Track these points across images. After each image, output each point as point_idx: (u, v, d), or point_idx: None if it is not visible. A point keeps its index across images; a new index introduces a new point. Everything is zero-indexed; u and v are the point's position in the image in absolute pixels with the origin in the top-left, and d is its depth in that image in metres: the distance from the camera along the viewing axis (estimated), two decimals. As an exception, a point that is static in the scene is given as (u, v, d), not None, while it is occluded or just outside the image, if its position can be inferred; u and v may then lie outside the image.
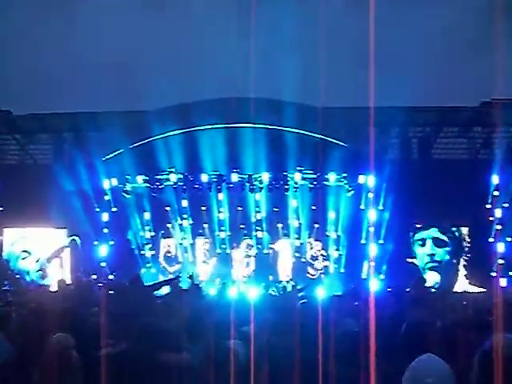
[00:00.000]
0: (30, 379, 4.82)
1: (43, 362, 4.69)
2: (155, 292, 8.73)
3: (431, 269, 19.15)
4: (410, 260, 19.21)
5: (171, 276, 12.10)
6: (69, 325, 5.13)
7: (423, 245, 19.51)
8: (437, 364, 2.62)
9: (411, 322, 3.99)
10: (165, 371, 4.26)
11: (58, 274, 17.10)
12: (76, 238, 19.21)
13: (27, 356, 4.96)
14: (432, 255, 19.37)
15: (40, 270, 12.85)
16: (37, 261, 18.82)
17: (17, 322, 6.05)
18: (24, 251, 19.12)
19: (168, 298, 8.11)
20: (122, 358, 4.44)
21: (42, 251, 19.33)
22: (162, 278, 15.01)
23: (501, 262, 18.17)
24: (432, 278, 18.24)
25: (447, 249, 19.43)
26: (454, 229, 19.50)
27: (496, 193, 18.83)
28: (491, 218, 18.74)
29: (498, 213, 18.72)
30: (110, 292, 8.11)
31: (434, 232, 19.53)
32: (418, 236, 19.55)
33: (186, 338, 4.92)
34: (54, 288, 11.92)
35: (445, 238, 19.49)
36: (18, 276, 18.19)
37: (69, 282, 13.43)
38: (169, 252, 19.73)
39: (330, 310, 5.51)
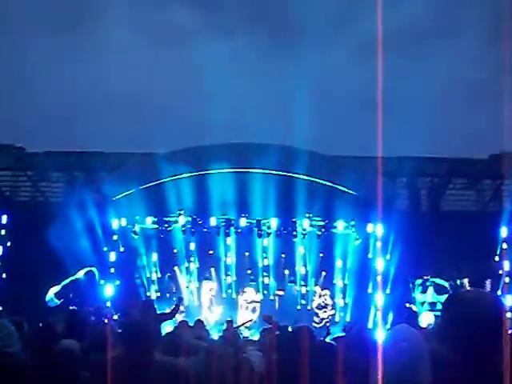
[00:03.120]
0: None
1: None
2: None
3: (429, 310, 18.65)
4: (408, 305, 18.80)
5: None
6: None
7: (424, 291, 19.20)
8: (411, 331, 3.02)
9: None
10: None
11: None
12: (93, 269, 18.95)
13: None
14: (433, 303, 19.00)
15: None
16: None
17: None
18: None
19: None
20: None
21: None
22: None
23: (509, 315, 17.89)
24: (427, 318, 17.73)
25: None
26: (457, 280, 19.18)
27: (504, 245, 18.77)
28: (500, 272, 18.61)
29: (507, 265, 18.61)
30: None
31: (436, 279, 19.23)
32: (418, 281, 19.27)
33: None
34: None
35: (446, 284, 19.18)
36: None
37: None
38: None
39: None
